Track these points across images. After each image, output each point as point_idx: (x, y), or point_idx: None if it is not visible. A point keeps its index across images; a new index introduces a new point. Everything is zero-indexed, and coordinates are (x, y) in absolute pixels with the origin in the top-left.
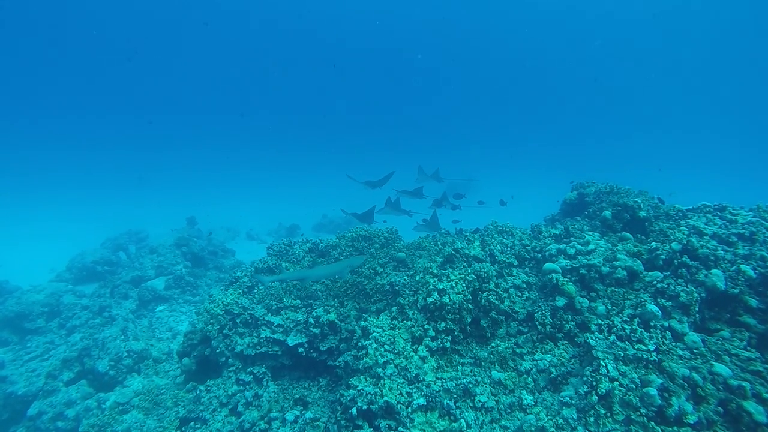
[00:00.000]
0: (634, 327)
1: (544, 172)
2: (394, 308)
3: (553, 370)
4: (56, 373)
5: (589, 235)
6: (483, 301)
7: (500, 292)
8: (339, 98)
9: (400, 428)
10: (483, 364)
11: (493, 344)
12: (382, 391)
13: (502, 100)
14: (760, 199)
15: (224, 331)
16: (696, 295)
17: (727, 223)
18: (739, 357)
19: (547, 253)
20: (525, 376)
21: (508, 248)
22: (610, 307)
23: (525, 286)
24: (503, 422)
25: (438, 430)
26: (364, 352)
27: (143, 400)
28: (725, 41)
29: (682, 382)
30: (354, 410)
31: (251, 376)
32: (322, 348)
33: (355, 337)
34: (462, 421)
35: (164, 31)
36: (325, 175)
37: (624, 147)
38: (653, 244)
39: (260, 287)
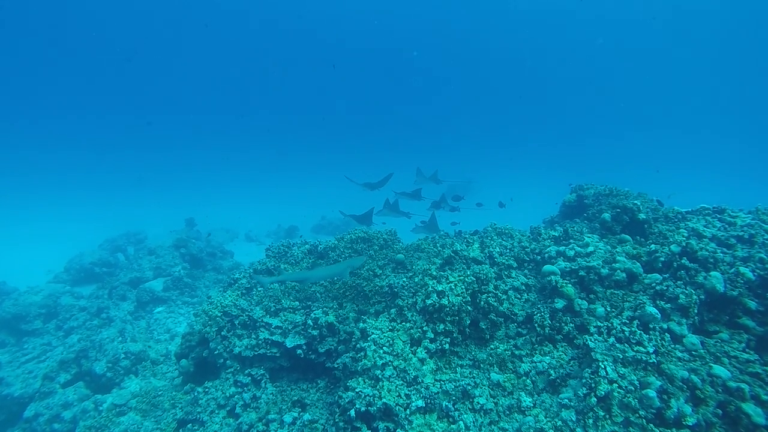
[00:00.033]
0: (633, 329)
1: (543, 173)
2: (392, 310)
3: (552, 372)
4: (53, 374)
5: (589, 237)
6: (482, 303)
7: (499, 294)
8: (338, 98)
9: (398, 430)
10: (482, 366)
11: (492, 346)
12: (380, 392)
13: (502, 100)
14: (760, 200)
15: (222, 333)
16: (695, 297)
17: (726, 226)
18: (738, 359)
19: (546, 255)
20: (524, 377)
21: (507, 250)
22: (609, 309)
23: (524, 288)
24: (502, 424)
25: None
26: (362, 353)
27: (141, 402)
28: (724, 41)
29: (681, 384)
30: (352, 412)
31: (249, 378)
32: (321, 350)
33: (353, 339)
34: (461, 423)
35: (163, 32)
36: (324, 177)
37: (622, 147)
38: (652, 246)
39: (259, 289)
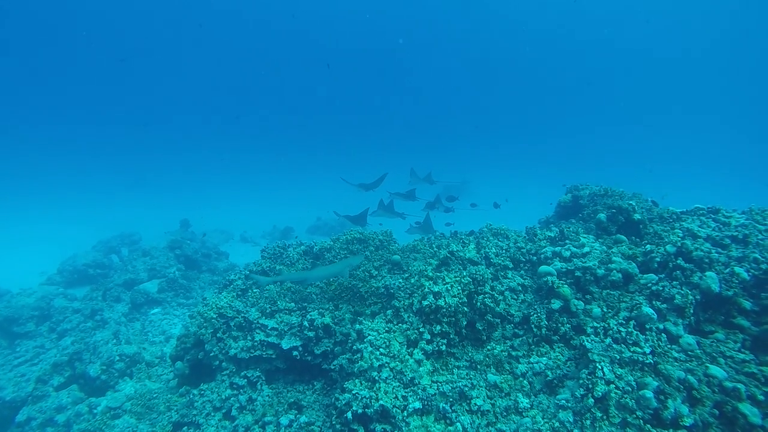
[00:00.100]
0: (629, 329)
1: (540, 173)
2: (389, 311)
3: (549, 372)
4: (46, 377)
5: (584, 237)
6: (478, 303)
7: (496, 294)
8: (332, 99)
9: None
10: (479, 367)
11: (488, 347)
12: (377, 394)
13: (500, 99)
14: (752, 199)
15: (218, 335)
16: (691, 297)
17: (721, 226)
18: (734, 359)
19: (542, 255)
20: (521, 379)
21: (504, 251)
22: (605, 310)
23: (520, 288)
24: (499, 425)
25: None
26: (359, 355)
27: (135, 405)
28: (722, 40)
29: (677, 384)
30: (349, 414)
31: (245, 380)
32: (317, 351)
33: (350, 341)
34: (458, 424)
35: (157, 33)
36: (319, 177)
37: (617, 146)
38: (648, 246)
39: (254, 290)
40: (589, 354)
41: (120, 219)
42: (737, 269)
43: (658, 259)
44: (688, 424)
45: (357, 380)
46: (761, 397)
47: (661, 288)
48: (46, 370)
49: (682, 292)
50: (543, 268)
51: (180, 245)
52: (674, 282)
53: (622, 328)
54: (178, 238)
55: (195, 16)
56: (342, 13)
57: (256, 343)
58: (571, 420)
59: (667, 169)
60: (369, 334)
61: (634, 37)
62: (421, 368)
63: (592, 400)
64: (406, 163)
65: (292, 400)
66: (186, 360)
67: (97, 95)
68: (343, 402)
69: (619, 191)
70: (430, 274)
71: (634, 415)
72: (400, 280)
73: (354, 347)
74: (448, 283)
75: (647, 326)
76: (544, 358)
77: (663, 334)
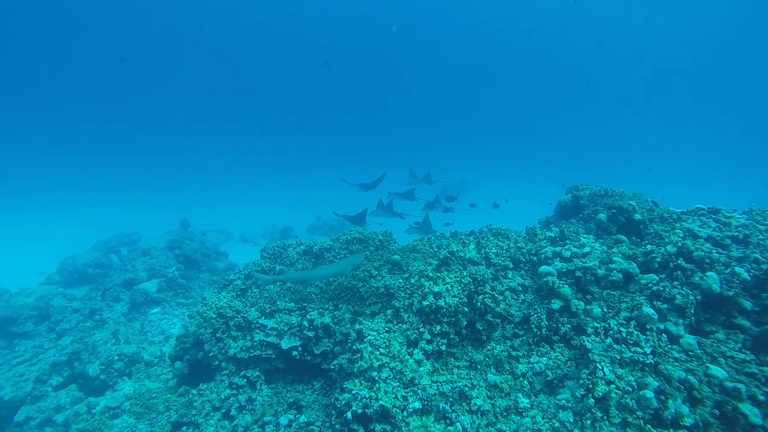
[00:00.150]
0: (630, 330)
1: (540, 172)
2: (389, 311)
3: (549, 373)
4: (45, 377)
5: (585, 237)
6: (479, 304)
7: (496, 295)
8: (331, 98)
9: None
10: (479, 367)
11: (488, 347)
12: (377, 394)
13: (498, 99)
14: (752, 199)
15: (217, 335)
16: (691, 297)
17: (721, 226)
18: (735, 359)
19: (542, 255)
20: (521, 379)
21: (504, 251)
22: (606, 310)
23: (521, 288)
24: (499, 425)
25: None
26: (358, 355)
27: (134, 405)
28: (722, 40)
29: (678, 384)
30: (349, 414)
31: (245, 380)
32: (317, 351)
33: (349, 341)
34: (458, 424)
35: (156, 33)
36: (318, 177)
37: (616, 146)
38: (648, 246)
39: (254, 290)
40: (590, 354)
41: (119, 219)
42: (738, 269)
43: (658, 260)
44: (688, 424)
45: (357, 380)
46: (762, 398)
47: (661, 288)
48: (44, 370)
49: (683, 292)
50: (543, 268)
51: (179, 245)
52: (675, 282)
53: (622, 329)
54: (178, 238)
55: (194, 16)
56: (341, 13)
57: (255, 343)
58: (571, 420)
59: (667, 169)
60: (369, 334)
61: (634, 37)
62: (421, 368)
63: (593, 400)
64: (405, 163)
65: (292, 400)
66: (185, 360)
67: (97, 95)
68: (343, 402)
69: (619, 191)
70: (430, 274)
71: (635, 416)
72: (400, 280)
73: (354, 347)
74: (448, 283)
75: (648, 326)
76: (545, 358)
77: (664, 335)
